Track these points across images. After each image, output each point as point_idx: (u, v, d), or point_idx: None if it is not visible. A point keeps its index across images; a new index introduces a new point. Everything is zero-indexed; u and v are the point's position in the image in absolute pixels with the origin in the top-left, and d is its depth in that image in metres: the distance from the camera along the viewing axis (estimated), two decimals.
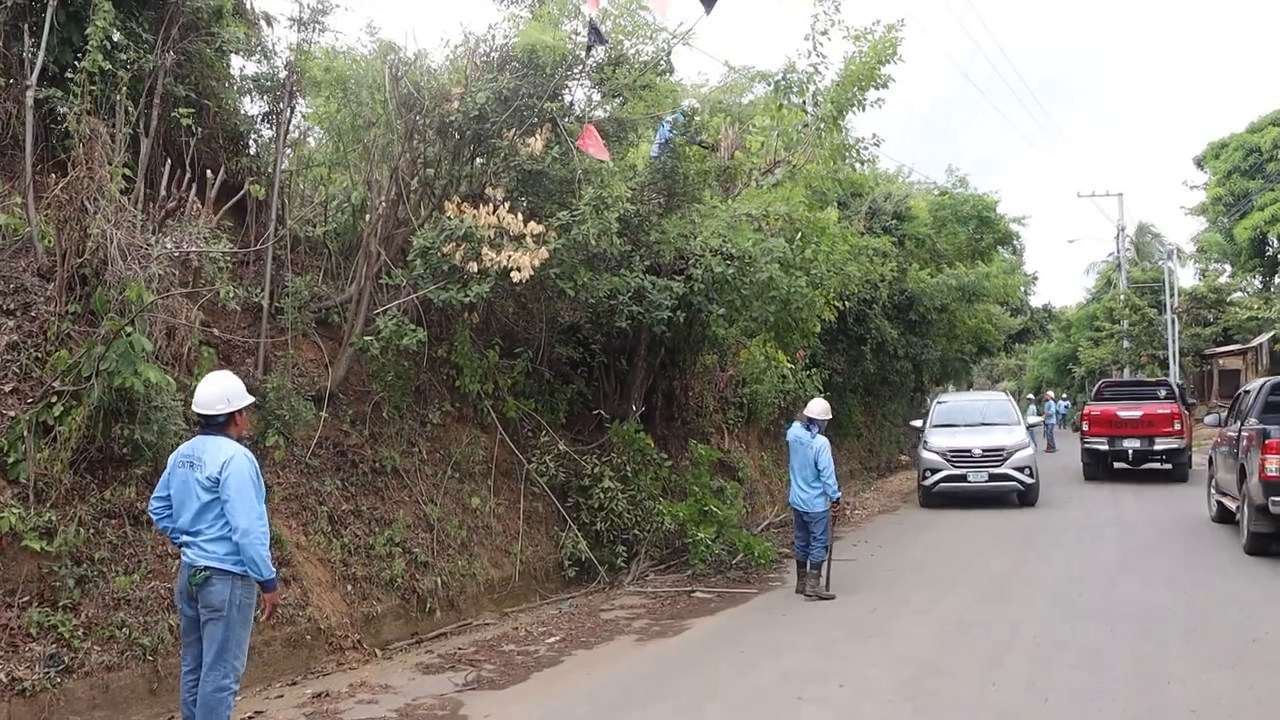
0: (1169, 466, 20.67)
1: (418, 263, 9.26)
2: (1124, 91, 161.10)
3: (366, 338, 9.09)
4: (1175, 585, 10.07)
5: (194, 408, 5.72)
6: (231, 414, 5.66)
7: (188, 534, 5.52)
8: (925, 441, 18.65)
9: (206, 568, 5.44)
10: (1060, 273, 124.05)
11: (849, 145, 13.40)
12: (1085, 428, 21.49)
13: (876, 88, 13.23)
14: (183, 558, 5.59)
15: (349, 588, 8.60)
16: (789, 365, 17.88)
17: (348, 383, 9.80)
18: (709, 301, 11.79)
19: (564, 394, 12.40)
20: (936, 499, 18.23)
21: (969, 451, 17.69)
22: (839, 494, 10.55)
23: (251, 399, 5.93)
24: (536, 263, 8.86)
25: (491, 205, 9.06)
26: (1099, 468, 21.49)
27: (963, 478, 17.58)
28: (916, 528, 15.59)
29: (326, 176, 10.96)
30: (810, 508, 10.43)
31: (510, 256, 8.67)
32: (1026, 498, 17.60)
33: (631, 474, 11.72)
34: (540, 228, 9.13)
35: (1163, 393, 22.02)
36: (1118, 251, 46.05)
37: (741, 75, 13.56)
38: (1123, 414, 20.67)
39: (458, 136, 9.88)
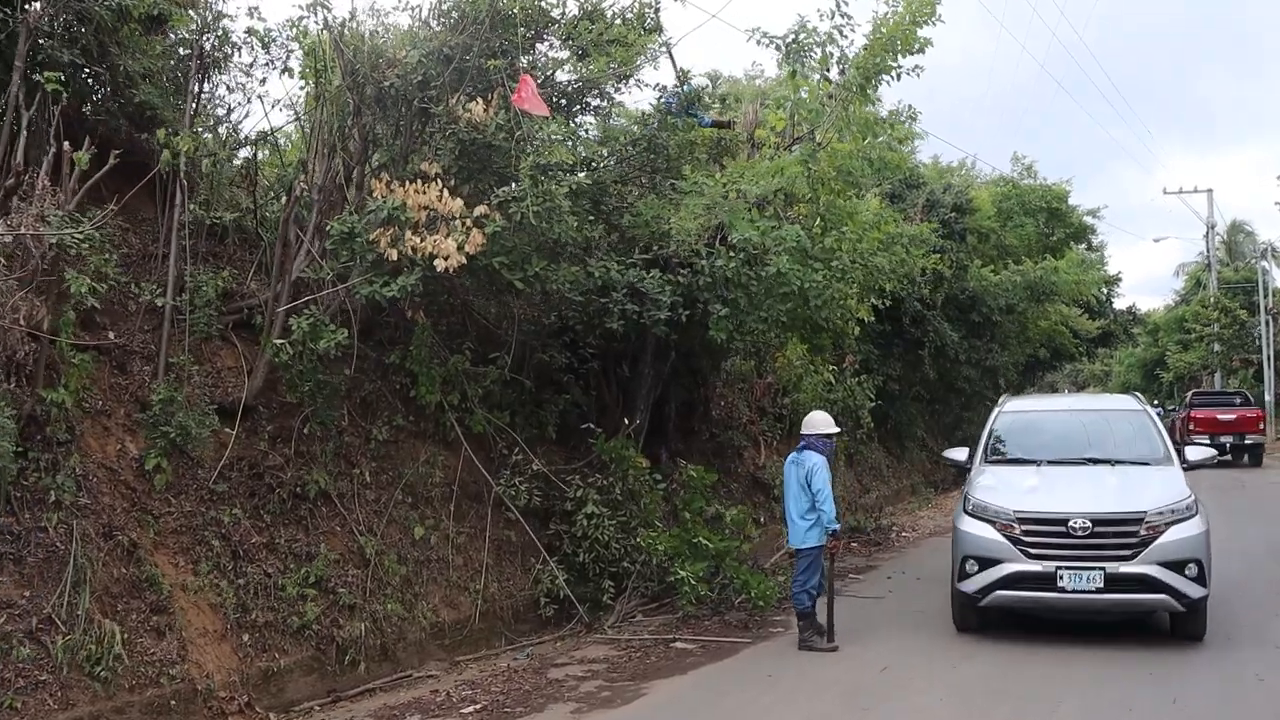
0: (1246, 457, 27.08)
1: (343, 253, 7.85)
2: (1214, 85, 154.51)
3: (278, 341, 7.70)
4: None
5: None
6: None
7: None
8: (969, 497, 9.00)
9: None
10: (1147, 275, 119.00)
11: (880, 120, 11.63)
12: (1192, 427, 27.20)
13: (912, 53, 11.46)
14: None
15: (245, 637, 7.19)
16: (830, 370, 16.13)
17: (272, 394, 8.44)
18: (714, 299, 10.19)
19: (554, 405, 10.90)
20: (991, 619, 8.80)
21: (1063, 522, 8.20)
22: (836, 526, 8.39)
23: None
24: (471, 249, 7.38)
25: (421, 182, 7.60)
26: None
27: (1048, 580, 8.13)
28: None
29: (280, 161, 9.64)
30: (797, 541, 8.64)
31: (435, 242, 7.19)
32: (1186, 626, 8.32)
33: (623, 498, 10.16)
34: (483, 208, 7.66)
35: (1239, 400, 28.71)
36: (1207, 251, 43.04)
37: (746, 38, 11.88)
38: (1221, 417, 27.27)
39: (402, 107, 8.46)
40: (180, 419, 7.27)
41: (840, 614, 8.67)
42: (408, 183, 7.61)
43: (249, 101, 8.88)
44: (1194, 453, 9.47)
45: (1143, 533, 8.00)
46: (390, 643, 8.12)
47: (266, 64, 8.64)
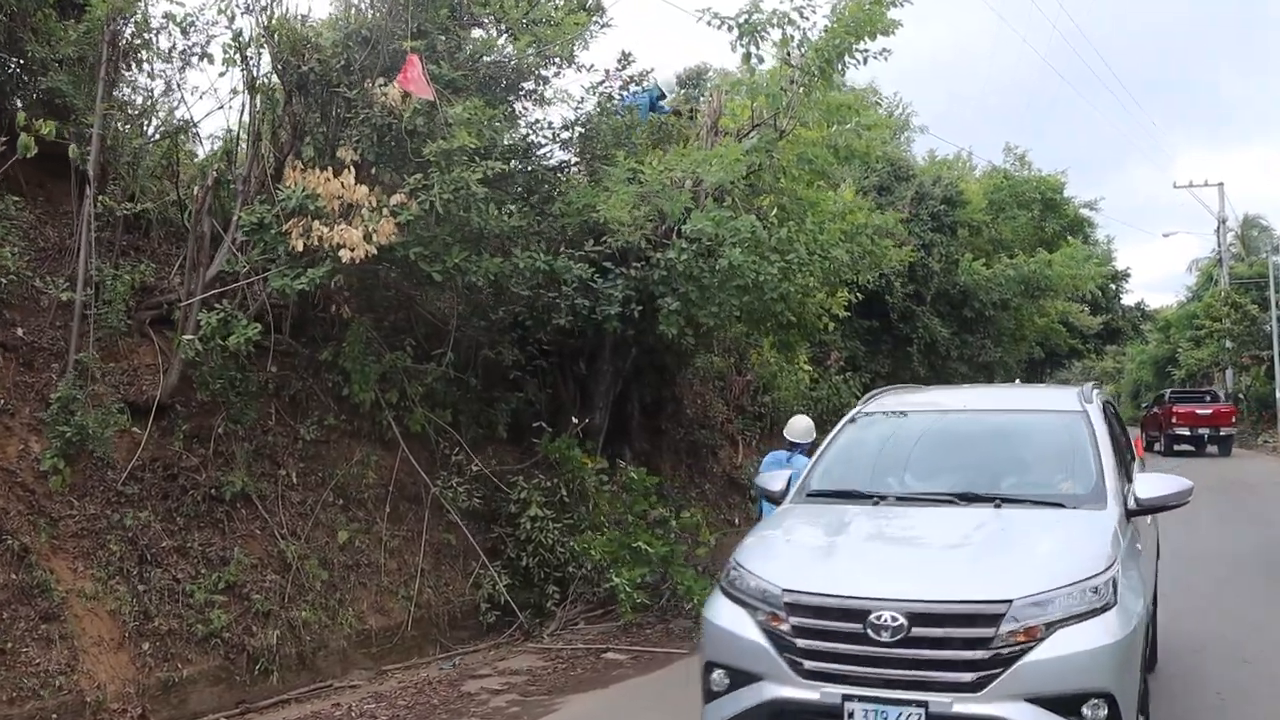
0: (1214, 448, 30.17)
1: (257, 245, 7.53)
2: (1225, 80, 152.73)
3: (186, 337, 7.38)
4: None
5: None
6: None
7: None
8: (731, 560, 5.31)
9: None
10: (1162, 272, 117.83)
11: (846, 106, 11.22)
12: (1174, 420, 30.50)
13: (881, 35, 11.03)
14: None
15: (145, 646, 6.86)
16: (806, 368, 15.73)
17: (191, 393, 8.11)
18: (666, 292, 9.83)
19: (505, 404, 10.55)
20: None
21: (860, 616, 4.55)
22: None
23: None
24: (382, 238, 7.03)
25: (333, 170, 7.27)
26: (1177, 444, 30.66)
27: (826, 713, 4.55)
28: None
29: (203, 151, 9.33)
30: None
31: (341, 231, 6.85)
32: None
33: (571, 499, 9.80)
34: (399, 197, 7.32)
35: (1209, 398, 32.73)
36: (1219, 245, 42.30)
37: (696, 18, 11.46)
38: (1199, 411, 30.55)
39: (325, 93, 8.13)
40: (80, 418, 6.96)
41: None
42: (319, 170, 7.27)
43: (169, 91, 8.55)
44: (1151, 485, 5.41)
45: (1003, 640, 4.35)
46: (309, 651, 7.78)
47: (184, 51, 8.28)
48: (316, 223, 7.03)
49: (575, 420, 10.29)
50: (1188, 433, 30.16)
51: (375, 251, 7.01)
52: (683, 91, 12.63)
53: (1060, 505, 5.24)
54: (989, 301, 20.79)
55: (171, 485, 7.70)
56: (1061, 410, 6.12)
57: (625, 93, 9.59)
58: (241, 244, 7.79)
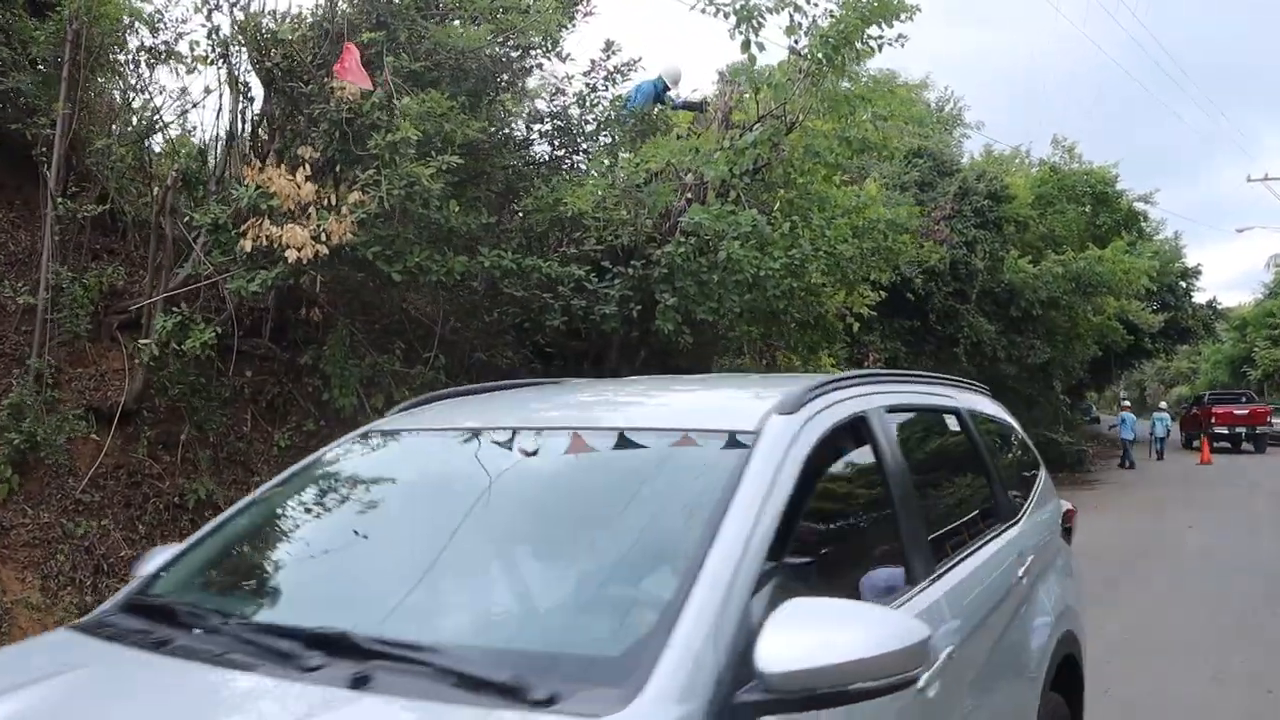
0: (1249, 445, 32.61)
1: (216, 245, 7.32)
2: None
3: (142, 342, 7.19)
4: None
5: None
6: None
7: None
8: None
9: None
10: (1234, 268, 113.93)
11: (858, 96, 10.69)
12: (1214, 420, 33.08)
13: (891, 21, 10.50)
14: None
15: None
16: (834, 369, 15.17)
17: (159, 399, 7.93)
18: (665, 289, 9.45)
19: None
20: None
21: None
22: None
23: None
24: (336, 237, 6.75)
25: (287, 168, 7.01)
26: (1216, 441, 31.75)
27: None
28: None
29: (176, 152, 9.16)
30: None
31: (288, 232, 6.59)
32: None
33: None
34: (356, 194, 7.04)
35: (1245, 399, 35.26)
36: None
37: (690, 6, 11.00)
38: (1237, 411, 33.41)
39: (293, 89, 7.90)
40: (29, 425, 6.79)
41: None
42: (274, 168, 7.02)
43: (140, 90, 8.40)
44: (813, 635, 2.02)
45: None
46: None
47: (152, 49, 8.12)
48: (267, 222, 6.77)
49: None
50: (1225, 431, 32.95)
51: (326, 252, 6.72)
52: (695, 90, 12.13)
53: (511, 694, 1.94)
54: (1036, 300, 19.96)
55: (134, 493, 7.52)
56: (711, 439, 2.71)
57: (609, 83, 9.20)
58: (205, 246, 7.58)
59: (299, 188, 6.65)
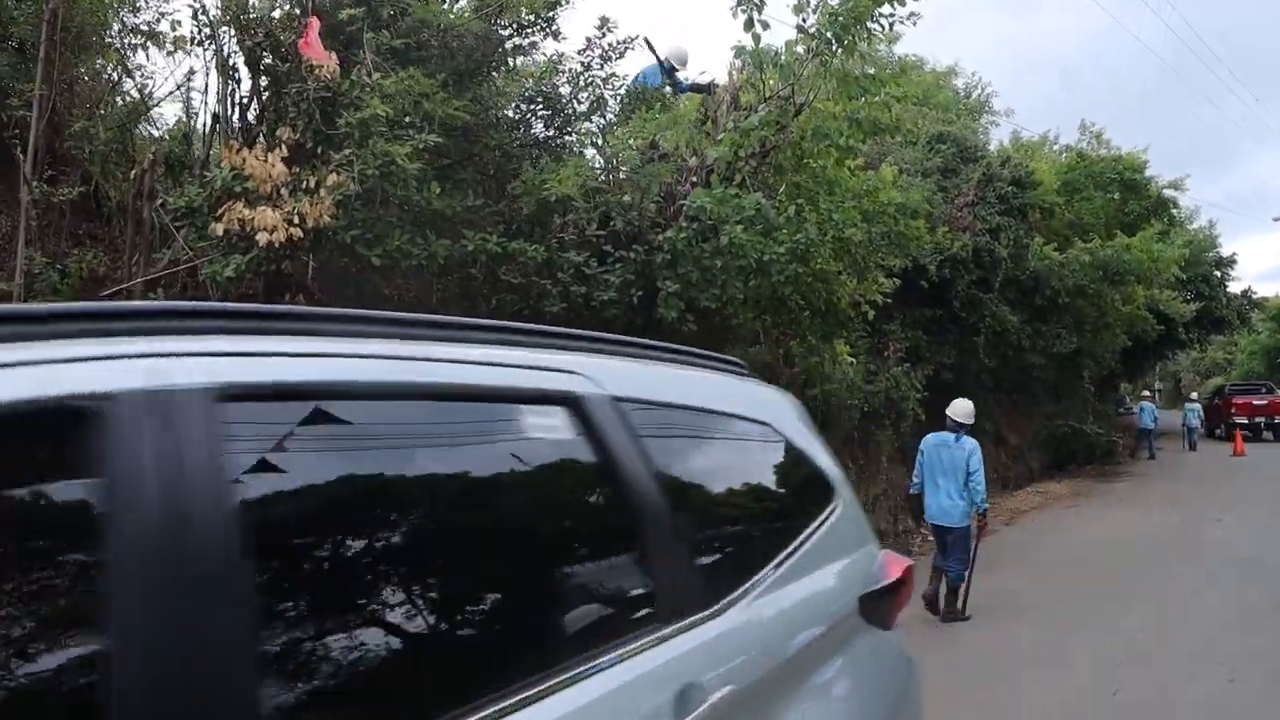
0: (1269, 434, 34.28)
1: (194, 230, 7.10)
2: None
3: None
4: None
5: None
6: None
7: None
8: None
9: None
10: (1272, 259, 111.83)
11: (868, 77, 10.30)
12: (1233, 411, 34.85)
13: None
14: None
15: None
16: (849, 359, 14.82)
17: None
18: (666, 275, 9.18)
19: None
20: None
21: None
22: (986, 506, 9.42)
23: None
24: (312, 220, 6.50)
25: (262, 149, 6.76)
26: (1236, 429, 32.35)
27: None
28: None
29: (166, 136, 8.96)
30: (951, 520, 9.38)
31: (260, 214, 6.34)
32: None
33: None
34: (334, 176, 6.78)
35: (1265, 390, 36.80)
36: None
37: None
38: (1256, 402, 35.30)
39: (271, 66, 7.66)
40: None
41: None
42: (250, 150, 6.78)
43: (122, 72, 8.19)
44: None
45: None
46: None
47: (134, 29, 7.91)
48: (240, 205, 6.53)
49: None
50: (1245, 421, 34.29)
51: (301, 235, 6.48)
52: (703, 73, 11.80)
53: None
54: (1063, 288, 19.45)
55: None
56: None
57: (605, 61, 8.89)
58: (183, 231, 7.36)
59: (271, 168, 6.40)
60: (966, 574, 9.49)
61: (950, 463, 9.42)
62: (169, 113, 9.02)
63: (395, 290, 9.56)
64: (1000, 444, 25.28)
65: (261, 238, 6.34)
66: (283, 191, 6.44)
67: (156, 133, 8.54)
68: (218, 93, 8.24)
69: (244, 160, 6.65)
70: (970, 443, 9.53)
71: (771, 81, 10.46)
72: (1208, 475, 23.84)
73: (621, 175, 8.30)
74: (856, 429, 17.37)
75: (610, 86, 8.86)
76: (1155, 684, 7.20)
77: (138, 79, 8.15)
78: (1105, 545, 13.69)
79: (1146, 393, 32.75)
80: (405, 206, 7.02)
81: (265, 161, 6.50)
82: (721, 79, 11.68)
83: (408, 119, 6.89)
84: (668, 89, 11.26)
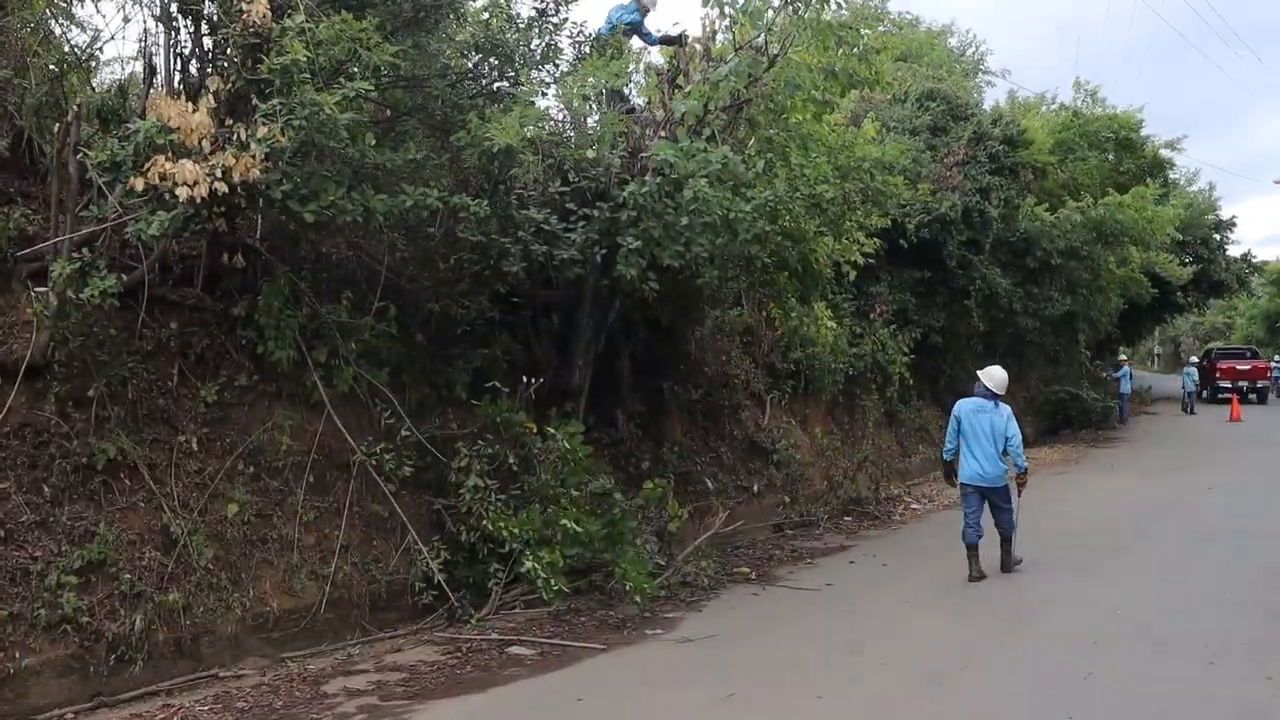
0: (1253, 396, 35.67)
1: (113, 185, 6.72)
2: None
3: (37, 290, 6.63)
4: None
5: None
6: None
7: None
8: None
9: None
10: (1273, 223, 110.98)
11: (844, 25, 9.85)
12: (1217, 375, 36.31)
13: None
14: None
15: None
16: (829, 324, 14.45)
17: (73, 353, 7.36)
18: (629, 232, 8.81)
19: (467, 361, 9.65)
20: None
21: None
22: (1026, 465, 10.24)
23: None
24: (239, 175, 6.12)
25: (186, 100, 6.37)
26: (1220, 393, 34.64)
27: None
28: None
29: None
30: (992, 481, 9.85)
31: (180, 168, 5.96)
32: None
33: (519, 468, 8.86)
34: (264, 128, 6.39)
35: (1249, 354, 39.12)
36: None
37: None
38: (1239, 367, 36.82)
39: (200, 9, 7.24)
40: None
41: (750, 608, 7.29)
42: (171, 100, 6.39)
43: (61, 23, 7.76)
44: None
45: None
46: (189, 637, 7.03)
47: None
48: (162, 159, 6.15)
49: (528, 380, 9.31)
50: (1229, 385, 35.46)
51: (226, 189, 6.10)
52: (676, 24, 11.38)
53: None
54: (1054, 249, 19.04)
55: (40, 453, 6.97)
56: None
57: (557, 5, 8.43)
58: (110, 186, 6.98)
59: (188, 118, 6.01)
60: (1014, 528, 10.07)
61: (990, 428, 9.79)
62: (120, 67, 8.54)
63: (355, 251, 9.22)
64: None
65: (181, 192, 5.96)
66: (204, 144, 6.05)
67: (79, 84, 8.08)
68: (165, 44, 7.83)
69: (168, 112, 6.26)
70: (1006, 408, 10.00)
71: (744, 32, 10.05)
72: (1202, 441, 23.54)
73: (573, 127, 7.83)
74: (841, 393, 17.07)
75: (567, 32, 8.44)
76: (1129, 668, 6.87)
77: (78, 31, 7.71)
78: (1089, 516, 13.34)
79: (1123, 356, 32.37)
80: (343, 161, 6.62)
81: (183, 113, 6.10)
82: (695, 31, 11.29)
83: (344, 66, 6.47)
84: (635, 40, 10.83)
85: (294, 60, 6.14)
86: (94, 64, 8.25)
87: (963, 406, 10.13)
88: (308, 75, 6.23)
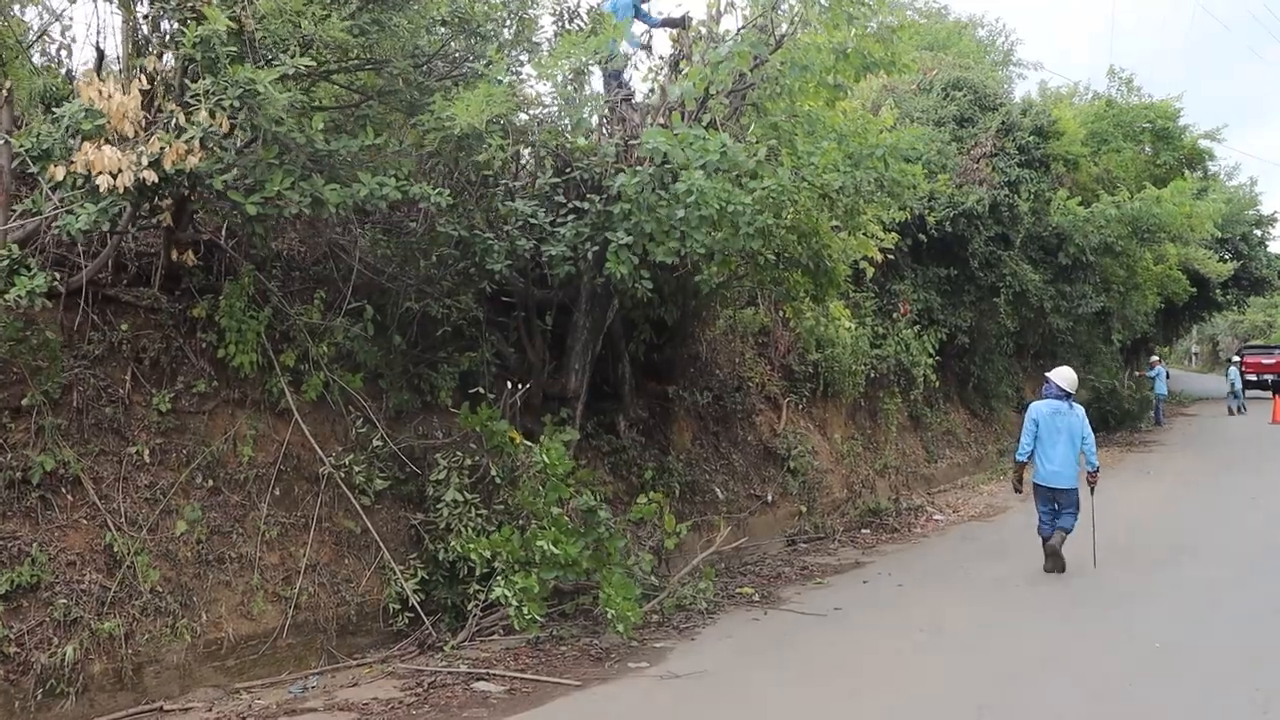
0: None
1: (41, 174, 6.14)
2: None
3: None
4: None
5: None
6: None
7: None
8: None
9: None
10: None
11: (857, 2, 9.15)
12: (1244, 369, 34.83)
13: None
14: None
15: None
16: (846, 324, 13.73)
17: (5, 359, 6.81)
18: (620, 227, 8.18)
19: (452, 366, 9.06)
20: None
21: None
22: (1098, 465, 10.48)
23: None
24: (169, 164, 5.52)
25: (123, 82, 5.78)
26: (1248, 388, 34.45)
27: None
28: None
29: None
30: (1066, 482, 10.07)
31: (99, 156, 5.37)
32: None
33: (501, 481, 8.24)
34: (204, 114, 5.79)
35: (1277, 350, 40.97)
36: None
37: None
38: (1265, 361, 39.23)
39: None
40: None
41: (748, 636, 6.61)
42: (100, 83, 5.80)
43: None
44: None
45: None
46: (130, 667, 6.46)
47: None
48: (88, 146, 5.57)
49: (513, 385, 8.70)
50: (1255, 378, 37.33)
51: (156, 179, 5.51)
52: (679, 5, 10.71)
53: None
54: (1088, 245, 18.16)
55: None
56: None
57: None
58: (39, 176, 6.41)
59: (110, 100, 5.42)
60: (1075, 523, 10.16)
61: (1068, 428, 10.09)
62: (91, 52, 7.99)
63: (330, 248, 8.64)
64: (1024, 412, 24.12)
65: (102, 181, 5.37)
66: (128, 128, 5.46)
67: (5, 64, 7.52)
68: (123, 28, 7.28)
69: (95, 95, 5.68)
70: (1080, 409, 10.41)
71: (748, 11, 9.39)
72: (1243, 445, 22.52)
73: (549, 107, 7.20)
74: (863, 396, 16.32)
75: (548, 9, 7.80)
76: (1177, 702, 6.15)
77: (29, 14, 7.15)
78: (1126, 528, 12.51)
79: (1156, 357, 31.07)
80: (292, 149, 6.01)
81: (124, 95, 5.52)
82: (700, 14, 10.63)
83: (286, 44, 5.86)
84: (636, 23, 10.20)
85: (214, 31, 5.54)
86: (41, 44, 7.69)
87: (1039, 409, 10.35)
88: (233, 49, 5.62)
